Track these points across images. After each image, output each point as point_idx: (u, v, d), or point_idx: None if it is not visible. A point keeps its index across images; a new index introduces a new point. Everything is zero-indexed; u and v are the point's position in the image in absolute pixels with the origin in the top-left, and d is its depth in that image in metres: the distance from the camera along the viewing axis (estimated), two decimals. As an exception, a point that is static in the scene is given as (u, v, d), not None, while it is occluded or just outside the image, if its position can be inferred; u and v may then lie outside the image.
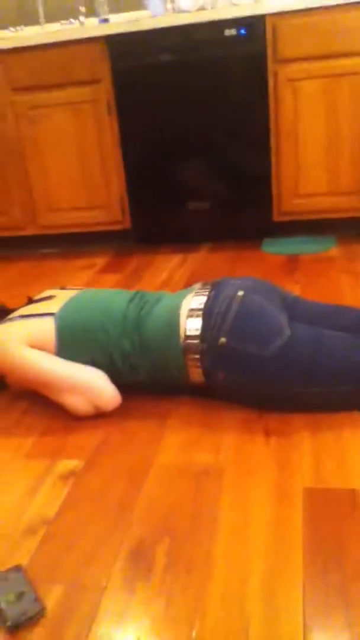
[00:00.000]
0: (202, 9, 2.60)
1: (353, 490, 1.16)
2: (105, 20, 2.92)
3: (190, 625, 0.92)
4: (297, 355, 1.37)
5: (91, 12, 3.04)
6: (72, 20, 3.06)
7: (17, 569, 1.04)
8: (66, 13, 3.09)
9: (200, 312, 1.43)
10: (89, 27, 2.53)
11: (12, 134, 2.77)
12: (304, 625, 0.90)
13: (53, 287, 1.77)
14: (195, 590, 0.98)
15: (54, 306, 1.55)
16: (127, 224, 2.84)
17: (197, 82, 2.51)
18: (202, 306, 1.44)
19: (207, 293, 1.48)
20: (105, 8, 2.97)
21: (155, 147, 2.66)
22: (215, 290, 1.48)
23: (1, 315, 1.59)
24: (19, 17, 3.15)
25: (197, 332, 1.41)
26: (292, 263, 2.47)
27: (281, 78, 2.44)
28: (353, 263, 2.40)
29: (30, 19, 3.13)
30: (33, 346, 1.47)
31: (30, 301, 1.66)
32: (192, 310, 1.45)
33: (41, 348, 1.48)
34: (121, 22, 2.51)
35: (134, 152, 2.69)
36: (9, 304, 1.73)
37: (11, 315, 1.57)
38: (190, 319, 1.43)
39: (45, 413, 1.53)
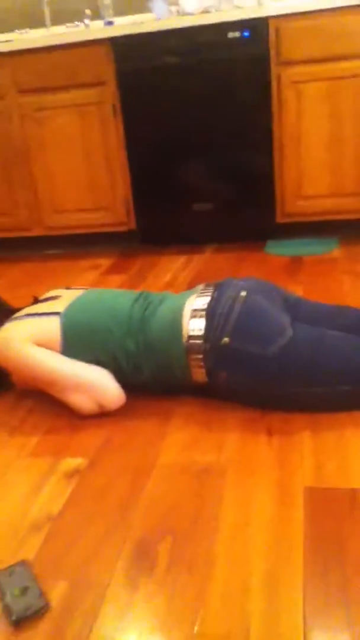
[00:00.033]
0: (206, 11, 2.62)
1: (353, 490, 1.17)
2: (110, 23, 2.94)
3: (192, 622, 0.94)
4: (298, 355, 1.38)
5: (96, 15, 3.07)
6: (77, 22, 3.08)
7: (22, 564, 1.06)
8: (71, 16, 3.11)
9: (204, 313, 1.45)
10: (94, 29, 2.55)
11: (18, 136, 2.79)
12: (304, 624, 0.91)
13: (58, 287, 1.79)
14: (197, 587, 1.00)
15: (59, 305, 1.57)
16: (132, 225, 2.85)
17: (201, 84, 2.52)
18: (205, 307, 1.46)
19: (210, 294, 1.49)
20: (110, 11, 2.99)
21: (159, 149, 2.68)
22: (218, 291, 1.49)
23: (7, 315, 1.61)
24: (25, 20, 3.17)
25: (200, 333, 1.42)
26: (295, 264, 2.48)
27: (284, 80, 2.46)
28: (356, 264, 2.41)
29: (36, 22, 3.15)
30: (38, 345, 1.49)
31: (36, 301, 1.68)
32: (195, 310, 1.46)
33: (46, 347, 1.50)
34: (126, 25, 2.53)
35: (138, 154, 2.71)
36: (15, 303, 1.75)
37: (17, 314, 1.59)
38: (193, 320, 1.45)
39: (50, 412, 1.55)
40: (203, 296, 1.50)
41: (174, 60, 2.51)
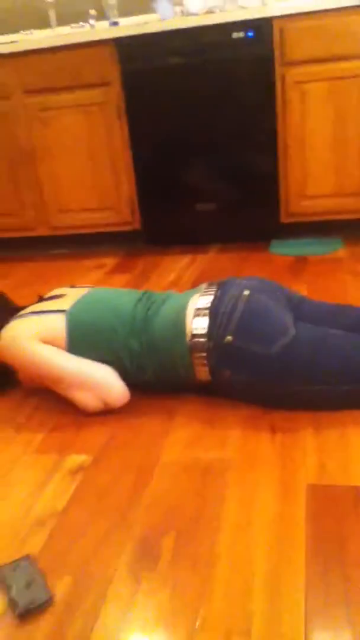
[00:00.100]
0: (210, 12, 2.63)
1: (355, 487, 1.18)
2: (115, 24, 2.95)
3: (194, 617, 0.95)
4: (299, 355, 1.39)
5: (101, 16, 3.08)
6: (82, 23, 3.09)
7: (27, 558, 1.07)
8: (77, 16, 3.13)
9: (207, 312, 1.46)
10: (99, 30, 2.57)
11: (23, 136, 2.81)
12: (306, 621, 0.92)
13: (63, 286, 1.81)
14: (199, 584, 1.01)
15: (64, 304, 1.58)
16: (137, 225, 2.87)
17: (206, 85, 2.54)
18: (208, 305, 1.47)
19: (213, 293, 1.50)
20: (115, 11, 3.01)
21: (164, 149, 2.69)
22: (222, 290, 1.50)
23: (12, 313, 1.63)
24: (30, 21, 3.19)
25: (204, 331, 1.43)
26: (299, 264, 2.49)
27: (288, 80, 2.47)
28: (360, 264, 2.41)
29: (41, 23, 3.17)
30: (44, 342, 1.51)
31: (41, 299, 1.69)
32: (198, 309, 1.47)
33: (52, 344, 1.51)
34: (130, 25, 2.54)
35: (143, 154, 2.72)
36: (20, 302, 1.76)
37: (22, 312, 1.61)
38: (196, 318, 1.46)
39: (56, 409, 1.57)
40: (206, 295, 1.51)
41: (178, 60, 2.52)
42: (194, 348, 1.44)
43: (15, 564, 1.06)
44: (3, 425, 1.55)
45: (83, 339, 1.52)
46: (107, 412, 1.52)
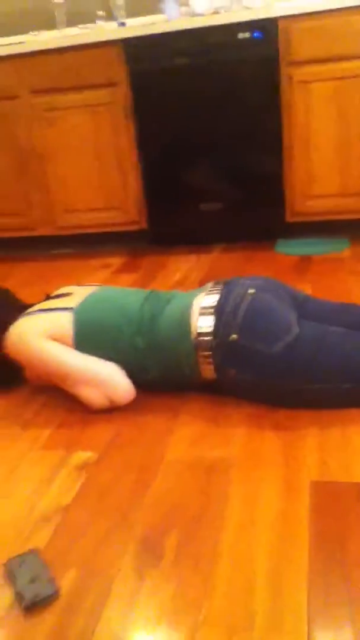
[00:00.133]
0: (216, 12, 2.64)
1: (358, 484, 1.19)
2: (122, 24, 2.97)
3: (197, 614, 0.96)
4: (302, 353, 1.40)
5: (109, 16, 3.10)
6: (89, 24, 3.11)
7: (33, 553, 1.09)
8: (84, 17, 3.15)
9: (212, 310, 1.47)
10: (106, 30, 2.58)
11: (31, 136, 2.83)
12: (308, 620, 0.92)
13: (69, 284, 1.82)
14: (202, 581, 1.02)
15: (71, 302, 1.60)
16: (143, 225, 2.88)
17: (211, 85, 2.55)
18: (213, 304, 1.48)
19: (218, 292, 1.52)
20: (122, 12, 3.02)
21: (171, 149, 2.71)
22: (227, 289, 1.51)
23: (20, 310, 1.64)
24: (38, 22, 3.21)
25: (209, 330, 1.45)
26: (304, 264, 2.49)
27: (293, 80, 2.47)
28: (365, 263, 2.42)
29: (49, 24, 3.19)
30: (51, 340, 1.52)
31: (48, 297, 1.71)
32: (203, 308, 1.48)
33: (59, 342, 1.53)
34: (137, 26, 2.56)
35: (150, 154, 2.74)
36: (27, 301, 1.78)
37: (30, 310, 1.63)
38: (202, 317, 1.47)
39: (62, 406, 1.58)
40: (211, 294, 1.52)
41: (184, 61, 2.53)
42: (199, 347, 1.46)
43: (21, 558, 1.08)
44: (10, 422, 1.57)
45: (89, 337, 1.54)
46: (113, 410, 1.53)
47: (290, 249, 2.67)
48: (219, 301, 1.48)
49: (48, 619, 0.98)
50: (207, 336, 1.45)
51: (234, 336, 1.42)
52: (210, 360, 1.46)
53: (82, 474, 1.32)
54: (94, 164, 2.81)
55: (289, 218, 2.71)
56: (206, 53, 2.50)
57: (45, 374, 1.57)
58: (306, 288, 2.19)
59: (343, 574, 1.00)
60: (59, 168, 2.86)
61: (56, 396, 1.61)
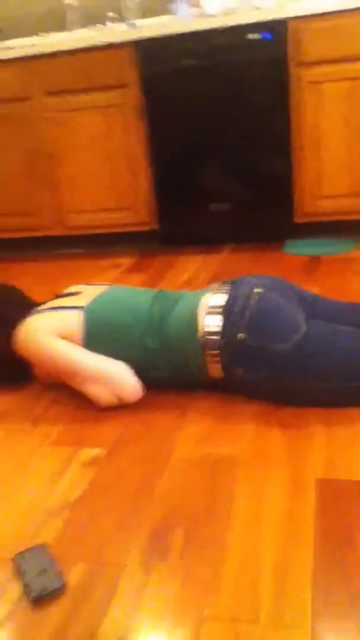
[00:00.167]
0: (227, 13, 2.64)
1: (364, 483, 1.20)
2: (133, 26, 2.98)
3: (202, 607, 0.97)
4: (310, 352, 1.40)
5: (119, 18, 3.11)
6: (100, 25, 3.13)
7: (42, 546, 1.10)
8: (95, 19, 3.17)
9: (220, 310, 1.48)
10: (117, 32, 2.60)
11: (42, 137, 2.85)
12: (312, 617, 0.93)
13: (79, 283, 1.84)
14: (208, 574, 1.03)
15: (81, 301, 1.61)
16: (154, 225, 2.89)
17: (221, 86, 2.56)
18: (221, 304, 1.49)
19: (226, 291, 1.53)
20: (133, 13, 3.04)
21: (181, 150, 2.72)
22: (234, 289, 1.52)
23: (29, 309, 1.66)
24: (49, 23, 3.23)
25: (217, 329, 1.46)
26: (313, 264, 2.50)
27: (303, 81, 2.48)
28: (374, 264, 2.42)
29: (60, 25, 3.21)
30: (61, 338, 1.54)
31: (58, 296, 1.73)
32: (211, 307, 1.49)
33: (68, 340, 1.54)
34: (149, 27, 2.57)
35: (161, 155, 2.75)
36: (37, 300, 1.79)
37: (39, 308, 1.65)
38: (209, 316, 1.48)
39: (71, 404, 1.60)
40: (219, 293, 1.53)
41: (195, 62, 2.55)
42: (206, 346, 1.47)
43: (29, 552, 1.09)
44: (20, 418, 1.59)
45: (99, 336, 1.55)
46: (121, 407, 1.55)
47: (299, 250, 2.68)
48: (227, 300, 1.49)
49: (55, 612, 0.99)
50: (215, 335, 1.46)
51: (242, 335, 1.43)
52: (218, 359, 1.47)
53: (90, 470, 1.34)
54: (104, 165, 2.83)
55: (298, 218, 2.72)
56: (216, 54, 2.51)
57: (54, 372, 1.59)
58: (315, 288, 2.19)
59: (348, 572, 1.00)
60: (69, 169, 2.88)
61: (65, 393, 1.62)
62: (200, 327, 1.48)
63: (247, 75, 2.52)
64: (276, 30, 2.42)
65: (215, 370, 1.49)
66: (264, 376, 1.44)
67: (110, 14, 3.10)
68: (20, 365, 1.64)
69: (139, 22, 3.05)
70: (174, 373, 1.55)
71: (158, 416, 1.51)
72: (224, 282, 1.58)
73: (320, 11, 2.36)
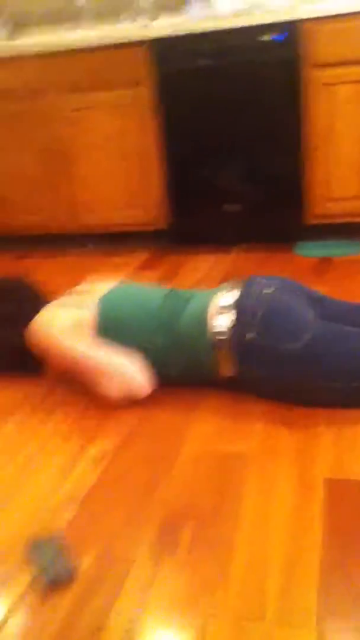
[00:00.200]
0: (240, 14, 2.65)
1: (371, 482, 1.21)
2: (147, 25, 2.99)
3: (209, 602, 0.98)
4: (318, 352, 1.41)
5: (133, 16, 3.12)
6: (115, 24, 3.14)
7: (54, 536, 1.13)
8: (109, 17, 3.18)
9: (231, 309, 1.49)
10: (131, 30, 2.61)
11: (56, 135, 2.87)
12: (318, 613, 0.94)
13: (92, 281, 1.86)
14: (216, 571, 1.04)
15: (94, 296, 1.63)
16: (166, 225, 2.91)
17: (234, 87, 2.57)
18: (232, 303, 1.50)
19: (237, 291, 1.54)
20: (147, 13, 3.05)
21: (195, 150, 2.73)
22: (245, 289, 1.54)
23: (43, 303, 1.68)
24: (63, 21, 3.25)
25: (227, 329, 1.47)
26: (323, 265, 2.50)
27: (316, 83, 2.48)
28: (384, 266, 2.42)
29: (74, 23, 3.23)
30: (72, 333, 1.56)
31: (71, 292, 1.75)
32: (222, 307, 1.51)
33: (80, 335, 1.56)
34: (163, 26, 2.58)
35: (174, 154, 2.76)
36: (50, 296, 1.82)
37: (52, 303, 1.67)
38: (220, 316, 1.49)
39: (83, 398, 1.61)
40: (230, 293, 1.54)
41: (207, 62, 2.56)
42: (217, 345, 1.48)
43: (41, 541, 1.12)
44: (32, 412, 1.61)
45: (110, 333, 1.57)
46: (132, 403, 1.56)
47: (309, 251, 2.68)
48: (238, 300, 1.50)
49: (65, 600, 1.01)
50: (225, 335, 1.47)
51: (252, 335, 1.45)
52: (229, 358, 1.48)
53: (100, 464, 1.36)
54: (118, 164, 2.84)
55: (309, 220, 2.72)
56: (229, 55, 2.52)
57: (65, 366, 1.61)
58: (324, 290, 2.18)
59: (355, 571, 1.01)
60: (83, 167, 2.90)
61: (77, 387, 1.64)
62: (211, 327, 1.49)
63: (259, 76, 2.53)
64: (289, 32, 2.43)
65: (226, 369, 1.50)
66: (274, 375, 1.46)
67: (125, 13, 3.10)
68: (34, 359, 1.66)
69: (153, 21, 3.06)
70: (185, 371, 1.56)
71: (169, 413, 1.53)
72: (235, 282, 1.59)
73: (334, 13, 2.36)
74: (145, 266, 2.77)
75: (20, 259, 3.05)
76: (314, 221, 2.72)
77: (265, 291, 1.50)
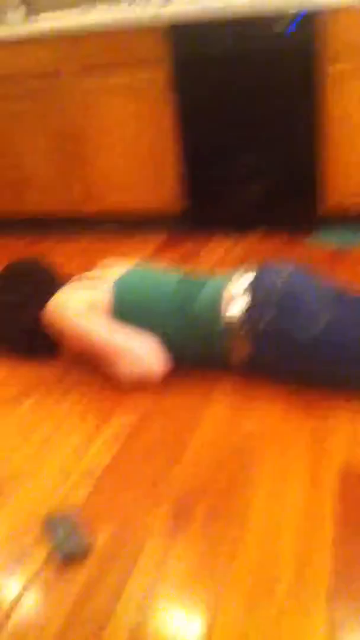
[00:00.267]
0: (257, 1, 2.61)
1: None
2: (165, 4, 2.94)
3: (220, 579, 1.00)
4: (336, 337, 1.41)
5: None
6: (131, 3, 3.09)
7: (71, 510, 1.15)
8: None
9: (245, 294, 1.50)
10: (148, 10, 2.58)
11: (71, 116, 2.85)
12: (327, 597, 0.95)
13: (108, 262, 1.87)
14: (229, 549, 1.06)
15: (109, 279, 1.64)
16: (183, 208, 2.90)
17: (250, 75, 2.54)
18: (246, 289, 1.51)
19: (251, 277, 1.54)
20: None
21: (212, 134, 2.71)
22: (259, 274, 1.54)
23: (59, 285, 1.70)
24: (79, 2, 3.21)
25: (241, 314, 1.48)
26: (339, 255, 2.49)
27: (333, 72, 2.45)
28: None
29: (90, 2, 3.19)
30: (87, 314, 1.57)
31: (87, 273, 1.76)
32: (236, 292, 1.51)
33: (96, 316, 1.57)
34: (180, 8, 2.54)
35: (191, 138, 2.74)
36: (64, 279, 1.82)
37: (68, 284, 1.68)
38: (234, 301, 1.50)
39: (99, 378, 1.62)
40: (244, 279, 1.54)
41: (223, 48, 2.53)
42: (231, 330, 1.49)
43: (59, 514, 1.14)
44: (50, 391, 1.62)
45: (125, 316, 1.58)
46: (147, 384, 1.56)
47: (325, 240, 2.67)
48: (252, 284, 1.51)
49: (81, 574, 1.03)
50: (239, 319, 1.48)
51: (267, 319, 1.45)
52: (243, 343, 1.49)
53: (115, 444, 1.37)
54: (133, 147, 2.83)
55: (324, 209, 2.70)
56: (245, 43, 2.48)
57: (80, 348, 1.62)
58: (340, 279, 2.18)
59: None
60: (98, 150, 2.89)
61: (92, 368, 1.65)
62: (225, 311, 1.50)
63: (276, 65, 2.50)
64: (306, 21, 2.40)
65: (240, 353, 1.51)
66: (288, 360, 1.46)
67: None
68: (50, 340, 1.68)
69: (167, 3, 3.01)
70: (198, 356, 1.57)
71: (183, 395, 1.54)
72: (249, 268, 1.60)
73: (350, 3, 2.33)
74: (161, 248, 2.77)
75: (35, 243, 3.06)
76: (330, 210, 2.71)
77: (279, 276, 1.51)
